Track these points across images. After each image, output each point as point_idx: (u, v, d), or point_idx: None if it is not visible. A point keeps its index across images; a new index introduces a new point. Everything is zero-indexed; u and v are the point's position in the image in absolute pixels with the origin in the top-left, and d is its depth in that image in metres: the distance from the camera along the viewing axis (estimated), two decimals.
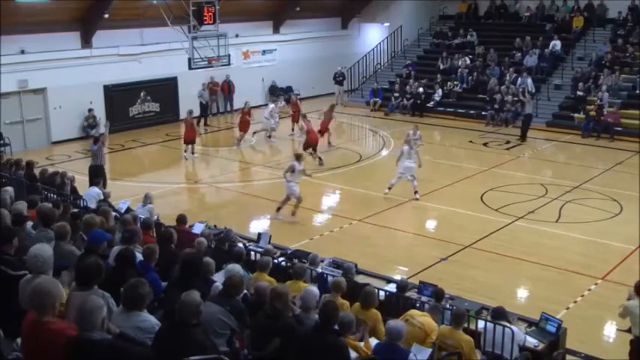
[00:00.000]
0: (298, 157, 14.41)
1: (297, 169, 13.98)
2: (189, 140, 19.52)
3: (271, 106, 21.86)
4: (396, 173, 15.31)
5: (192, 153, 19.62)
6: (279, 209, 14.19)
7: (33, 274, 5.26)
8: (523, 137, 21.07)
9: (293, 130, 22.24)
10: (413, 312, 7.32)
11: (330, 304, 5.79)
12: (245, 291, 6.80)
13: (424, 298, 8.33)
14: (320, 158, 18.34)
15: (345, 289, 7.28)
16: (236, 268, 7.76)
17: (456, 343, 6.78)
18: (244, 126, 20.89)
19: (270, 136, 21.57)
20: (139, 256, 7.11)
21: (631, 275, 9.55)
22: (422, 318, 7.10)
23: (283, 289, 6.15)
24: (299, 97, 22.13)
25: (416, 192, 15.20)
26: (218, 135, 23.13)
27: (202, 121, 23.84)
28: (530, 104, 21.76)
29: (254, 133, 21.31)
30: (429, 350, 6.58)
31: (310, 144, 18.46)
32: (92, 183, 13.72)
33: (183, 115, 23.40)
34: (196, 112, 22.37)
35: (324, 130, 20.20)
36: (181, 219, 10.79)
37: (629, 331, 7.96)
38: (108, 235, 7.30)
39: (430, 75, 26.89)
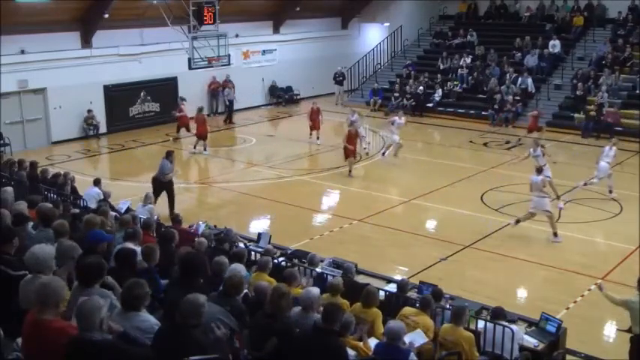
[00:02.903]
0: (539, 171, 13.21)
1: (534, 182, 13.01)
2: (201, 136, 19.78)
3: (397, 119, 18.97)
4: (596, 175, 15.26)
5: (205, 149, 19.88)
6: (555, 234, 12.88)
7: (33, 273, 5.27)
8: None
9: (312, 136, 21.26)
10: (406, 311, 7.30)
11: (334, 305, 5.81)
12: (245, 290, 6.80)
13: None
14: (177, 138, 21.31)
15: (342, 290, 7.26)
16: (238, 267, 7.76)
17: (456, 339, 6.79)
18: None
19: (395, 154, 18.79)
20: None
21: (631, 275, 9.55)
22: (416, 317, 7.09)
23: (284, 288, 6.15)
24: (316, 104, 21.54)
25: (610, 191, 15.19)
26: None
27: (228, 118, 24.67)
28: None
29: (383, 153, 19.03)
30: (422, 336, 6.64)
31: (180, 127, 21.21)
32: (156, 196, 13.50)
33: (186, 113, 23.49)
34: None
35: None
36: (175, 218, 10.82)
37: (629, 330, 7.95)
38: (108, 235, 7.30)
39: (430, 75, 26.86)
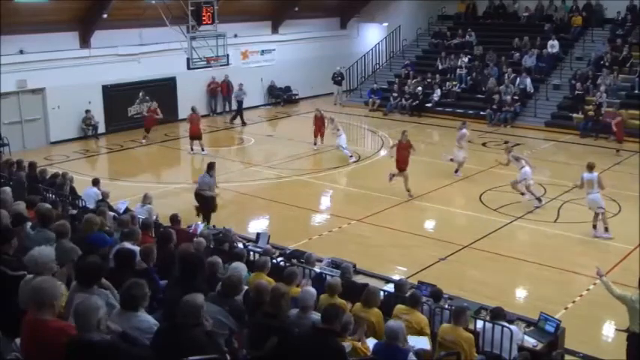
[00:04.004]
0: (591, 168, 12.98)
1: (587, 179, 12.98)
2: (195, 136, 19.73)
3: (464, 130, 17.39)
4: None
5: (202, 149, 19.77)
6: (595, 226, 13.04)
7: (32, 275, 5.26)
8: None
9: (316, 143, 20.63)
10: (398, 310, 7.29)
11: (334, 306, 5.81)
12: (246, 287, 6.80)
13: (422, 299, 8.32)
14: (146, 137, 21.42)
15: (340, 290, 7.26)
16: (240, 266, 7.76)
17: (455, 339, 6.78)
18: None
19: (457, 170, 17.25)
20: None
21: (631, 275, 9.55)
22: (408, 315, 7.09)
23: (283, 288, 6.15)
24: (319, 111, 21.37)
25: None
26: (218, 135, 23.12)
27: (238, 117, 24.51)
28: None
29: (456, 171, 17.23)
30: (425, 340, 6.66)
31: (148, 127, 21.53)
32: (204, 215, 13.17)
33: (182, 115, 23.50)
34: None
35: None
36: (174, 219, 10.79)
37: (627, 330, 7.95)
38: (109, 239, 7.29)
39: (429, 75, 26.87)
